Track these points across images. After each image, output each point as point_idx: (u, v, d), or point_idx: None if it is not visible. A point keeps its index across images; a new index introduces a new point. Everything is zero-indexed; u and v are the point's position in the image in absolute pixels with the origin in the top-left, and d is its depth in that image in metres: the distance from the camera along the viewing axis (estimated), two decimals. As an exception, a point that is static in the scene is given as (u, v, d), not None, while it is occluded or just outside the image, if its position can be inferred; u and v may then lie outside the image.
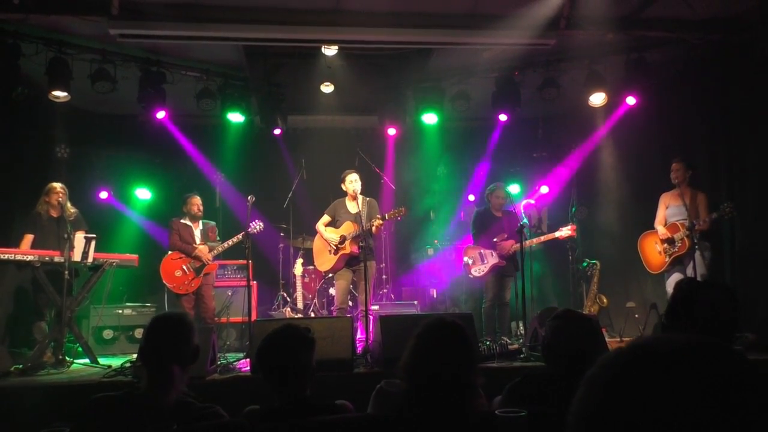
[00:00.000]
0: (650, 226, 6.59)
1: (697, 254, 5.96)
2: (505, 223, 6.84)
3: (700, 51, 6.61)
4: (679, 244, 6.17)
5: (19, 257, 5.75)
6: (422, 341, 2.24)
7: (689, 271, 5.98)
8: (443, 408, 2.08)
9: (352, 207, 6.48)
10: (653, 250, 6.47)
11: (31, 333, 6.21)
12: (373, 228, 6.21)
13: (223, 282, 7.65)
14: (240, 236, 6.64)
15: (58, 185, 6.32)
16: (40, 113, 7.23)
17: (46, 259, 5.80)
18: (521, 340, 6.06)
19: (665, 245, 6.31)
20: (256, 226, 6.90)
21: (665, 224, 6.41)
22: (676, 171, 6.33)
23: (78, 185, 7.26)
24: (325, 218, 6.68)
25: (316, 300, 7.79)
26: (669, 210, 6.43)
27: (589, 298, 7.58)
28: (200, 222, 7.11)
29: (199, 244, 6.89)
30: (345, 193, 6.59)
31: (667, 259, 6.28)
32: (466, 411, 2.12)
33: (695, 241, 5.99)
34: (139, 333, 7.04)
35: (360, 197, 6.53)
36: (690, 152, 6.88)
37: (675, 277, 6.17)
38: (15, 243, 6.13)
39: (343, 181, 6.57)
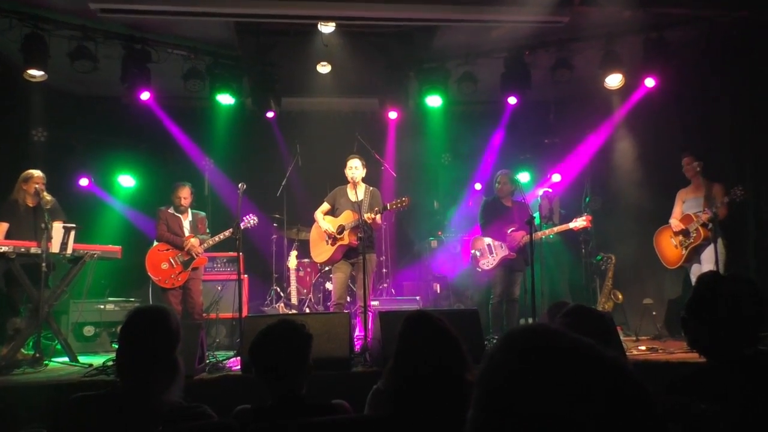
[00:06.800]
0: (667, 216, 6.66)
1: (719, 244, 6.03)
2: (515, 214, 6.84)
3: (724, 29, 6.57)
4: (695, 235, 6.31)
5: (-8, 248, 5.75)
6: (403, 338, 2.28)
7: (711, 265, 6.02)
8: (436, 405, 2.10)
9: (352, 195, 6.46)
10: (669, 245, 6.61)
11: (5, 329, 6.21)
12: (370, 221, 6.18)
13: (212, 276, 7.65)
14: (231, 231, 6.61)
15: (37, 173, 6.31)
16: (15, 94, 7.21)
17: (22, 250, 5.79)
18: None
19: (680, 237, 6.41)
20: (250, 220, 6.88)
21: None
22: (687, 165, 6.50)
23: (56, 171, 7.23)
24: (324, 206, 6.67)
25: (311, 295, 7.80)
26: (686, 204, 6.59)
27: (603, 294, 7.58)
28: (189, 212, 7.10)
29: (189, 237, 6.88)
30: (347, 180, 6.58)
31: (683, 252, 6.39)
32: (462, 407, 2.13)
33: (713, 230, 6.05)
34: (122, 330, 7.04)
35: (362, 186, 6.52)
36: (712, 138, 6.88)
37: (698, 269, 6.28)
38: (-12, 233, 6.12)
39: (345, 166, 6.57)
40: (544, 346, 0.84)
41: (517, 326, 0.90)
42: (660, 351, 5.79)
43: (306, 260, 7.85)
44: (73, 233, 6.01)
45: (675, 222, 6.51)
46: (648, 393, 0.79)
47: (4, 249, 5.75)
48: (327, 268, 7.48)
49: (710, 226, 6.10)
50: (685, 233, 6.39)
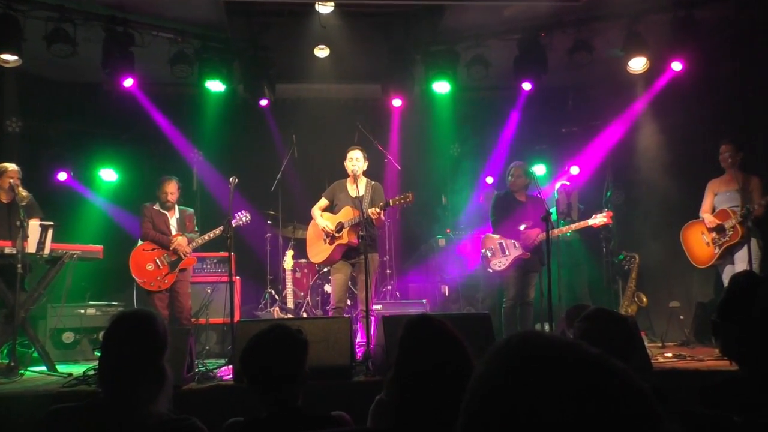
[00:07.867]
0: (697, 212, 6.58)
1: (753, 243, 6.01)
2: (529, 209, 6.82)
3: (759, 8, 6.54)
4: (731, 233, 6.20)
5: (-37, 248, 5.76)
6: (403, 344, 2.28)
7: (745, 265, 5.99)
8: (441, 416, 2.10)
9: (352, 190, 6.46)
10: (699, 241, 6.50)
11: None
12: (374, 216, 6.18)
13: (201, 277, 7.66)
14: (221, 229, 6.61)
15: (11, 166, 6.31)
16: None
17: (-4, 250, 5.81)
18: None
19: (714, 234, 6.34)
20: (242, 217, 6.88)
21: (713, 212, 6.43)
22: (725, 154, 6.37)
23: (32, 164, 7.26)
24: (323, 202, 6.66)
25: (308, 298, 7.80)
26: (718, 197, 6.47)
27: (626, 297, 7.57)
28: (176, 209, 7.11)
29: (176, 235, 6.89)
30: (347, 174, 6.57)
31: (716, 251, 6.30)
32: None
33: (750, 227, 6.01)
34: (104, 336, 7.05)
35: (364, 180, 6.51)
36: (745, 127, 6.83)
37: (731, 269, 6.21)
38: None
39: (345, 158, 6.56)
40: (536, 354, 0.85)
41: (503, 338, 0.92)
42: (688, 358, 5.78)
43: (303, 261, 7.86)
44: (50, 232, 6.01)
45: (709, 217, 6.38)
46: (643, 392, 0.80)
47: (-24, 249, 5.77)
48: (325, 269, 7.48)
49: (750, 226, 6.03)
50: (719, 230, 6.27)
